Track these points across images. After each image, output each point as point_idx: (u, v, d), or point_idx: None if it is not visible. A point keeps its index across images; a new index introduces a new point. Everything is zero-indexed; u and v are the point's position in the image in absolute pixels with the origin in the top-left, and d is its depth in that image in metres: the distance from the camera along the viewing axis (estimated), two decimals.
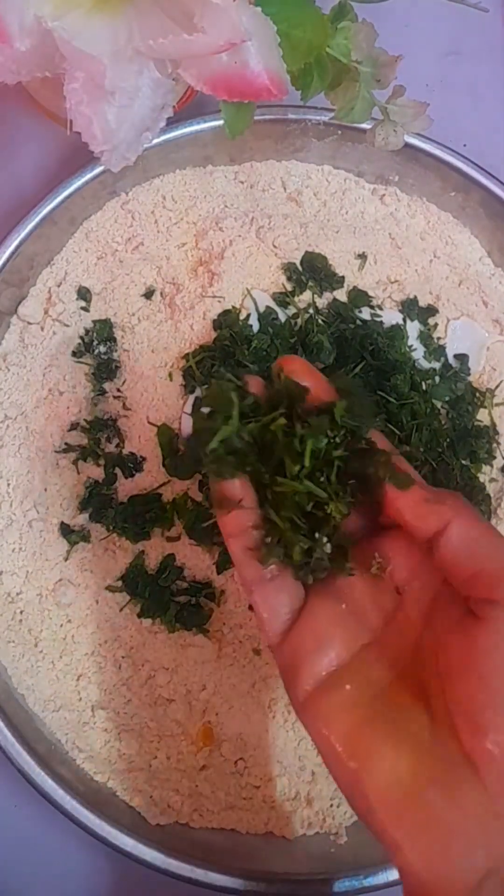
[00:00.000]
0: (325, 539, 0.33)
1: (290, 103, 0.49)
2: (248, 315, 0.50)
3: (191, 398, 0.49)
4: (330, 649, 0.33)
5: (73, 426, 0.49)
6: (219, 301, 0.49)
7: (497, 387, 0.51)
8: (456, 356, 0.52)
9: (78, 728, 0.46)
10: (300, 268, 0.51)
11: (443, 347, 0.51)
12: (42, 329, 0.50)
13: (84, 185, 0.49)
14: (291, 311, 0.50)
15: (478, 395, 0.51)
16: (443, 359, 0.51)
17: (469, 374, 0.51)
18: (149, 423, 0.49)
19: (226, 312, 0.49)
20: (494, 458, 0.50)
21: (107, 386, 0.49)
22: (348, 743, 0.31)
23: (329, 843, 0.46)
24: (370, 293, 0.51)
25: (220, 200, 0.52)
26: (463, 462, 0.49)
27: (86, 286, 0.50)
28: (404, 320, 0.51)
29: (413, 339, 0.51)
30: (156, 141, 0.48)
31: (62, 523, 0.48)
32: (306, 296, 0.51)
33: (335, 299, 0.51)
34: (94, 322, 0.50)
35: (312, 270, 0.51)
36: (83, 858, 0.47)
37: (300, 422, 0.34)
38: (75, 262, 0.51)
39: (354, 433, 0.34)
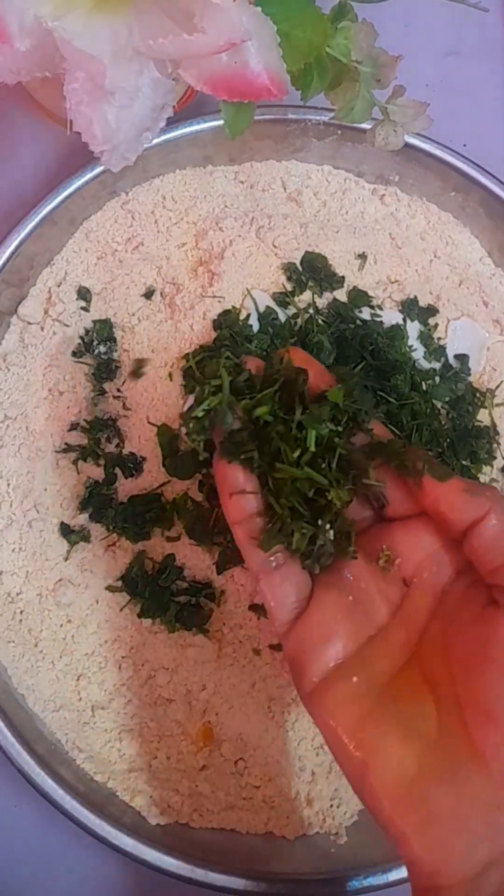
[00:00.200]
0: (327, 526, 0.33)
1: (290, 103, 0.49)
2: (248, 315, 0.50)
3: (191, 398, 0.49)
4: (337, 641, 0.33)
5: (73, 426, 0.49)
6: (219, 301, 0.49)
7: (497, 387, 0.51)
8: (456, 356, 0.52)
9: (78, 728, 0.46)
10: (300, 268, 0.51)
11: (443, 347, 0.51)
12: (42, 329, 0.50)
13: (84, 185, 0.49)
14: (291, 311, 0.50)
15: (478, 395, 0.51)
16: (443, 359, 0.51)
17: (469, 375, 0.51)
18: (149, 423, 0.49)
19: (226, 312, 0.49)
20: (495, 458, 0.50)
21: (107, 386, 0.49)
22: (355, 735, 0.31)
23: (329, 843, 0.46)
24: (370, 293, 0.51)
25: (220, 200, 0.52)
26: (463, 462, 0.49)
27: (86, 286, 0.50)
28: (404, 320, 0.51)
29: (413, 340, 0.51)
30: (156, 141, 0.48)
31: (62, 523, 0.48)
32: (306, 296, 0.51)
33: (335, 299, 0.51)
34: (94, 322, 0.50)
35: (312, 270, 0.51)
36: (83, 858, 0.47)
37: (300, 408, 0.34)
38: (75, 262, 0.51)
39: (356, 418, 0.34)
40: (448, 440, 0.49)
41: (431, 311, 0.52)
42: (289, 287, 0.51)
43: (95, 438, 0.49)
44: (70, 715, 0.46)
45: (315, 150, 0.53)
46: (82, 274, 0.51)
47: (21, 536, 0.48)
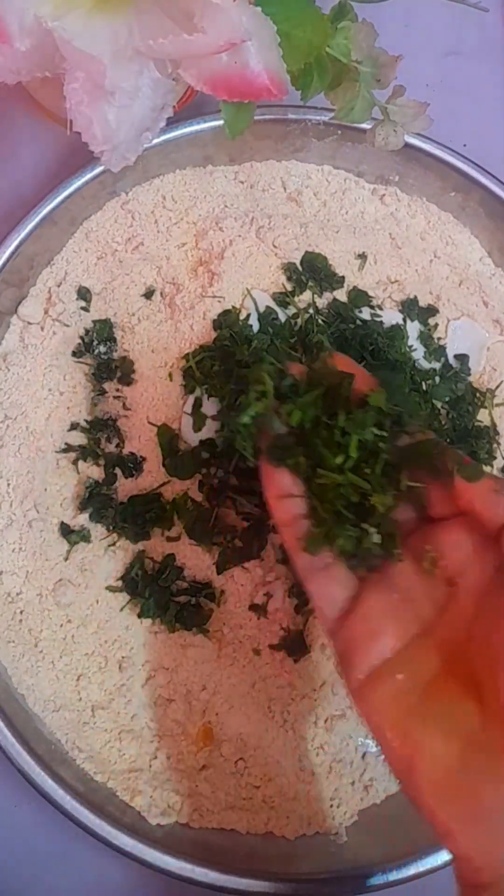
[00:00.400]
0: (373, 528, 0.34)
1: (290, 103, 0.49)
2: (248, 315, 0.50)
3: (191, 398, 0.49)
4: (383, 639, 0.33)
5: (73, 426, 0.49)
6: (219, 301, 0.49)
7: (497, 387, 0.51)
8: (456, 356, 0.51)
9: (78, 728, 0.46)
10: (300, 268, 0.51)
11: (443, 347, 0.51)
12: (42, 329, 0.50)
13: (84, 185, 0.49)
14: (291, 311, 0.50)
15: (478, 395, 0.51)
16: (443, 359, 0.51)
17: (469, 375, 0.51)
18: (149, 423, 0.49)
19: (226, 312, 0.49)
20: (495, 458, 0.50)
21: (107, 386, 0.49)
22: (400, 731, 0.32)
23: (329, 843, 0.46)
24: (370, 293, 0.51)
25: (220, 200, 0.52)
26: None
27: (86, 286, 0.50)
28: (404, 320, 0.51)
29: (413, 339, 0.51)
30: (156, 141, 0.48)
31: (62, 523, 0.48)
32: (306, 296, 0.51)
33: (335, 299, 0.51)
34: (94, 322, 0.50)
35: (312, 270, 0.51)
36: (83, 858, 0.47)
37: (343, 413, 0.34)
38: (75, 262, 0.51)
39: (399, 422, 0.34)
40: (448, 440, 0.49)
41: (431, 311, 0.52)
42: (289, 287, 0.51)
43: (95, 438, 0.49)
44: (70, 715, 0.46)
45: (315, 150, 0.53)
46: (82, 274, 0.51)
47: (21, 536, 0.48)
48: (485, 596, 0.34)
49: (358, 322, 0.50)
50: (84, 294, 0.50)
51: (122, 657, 0.47)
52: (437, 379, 0.51)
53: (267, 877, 0.43)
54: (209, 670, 0.47)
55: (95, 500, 0.48)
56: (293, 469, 0.35)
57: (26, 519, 0.48)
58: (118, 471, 0.48)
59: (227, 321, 0.49)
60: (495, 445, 0.50)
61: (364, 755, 0.47)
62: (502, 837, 0.29)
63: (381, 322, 0.51)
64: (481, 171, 0.51)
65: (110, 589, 0.47)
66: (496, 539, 0.33)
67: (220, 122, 0.39)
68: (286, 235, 0.51)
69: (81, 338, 0.50)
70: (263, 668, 0.47)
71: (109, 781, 0.46)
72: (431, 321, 0.52)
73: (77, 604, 0.47)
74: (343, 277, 0.51)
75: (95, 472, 0.49)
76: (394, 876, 0.43)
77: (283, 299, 0.50)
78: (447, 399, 0.50)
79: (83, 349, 0.50)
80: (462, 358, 0.51)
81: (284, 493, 0.35)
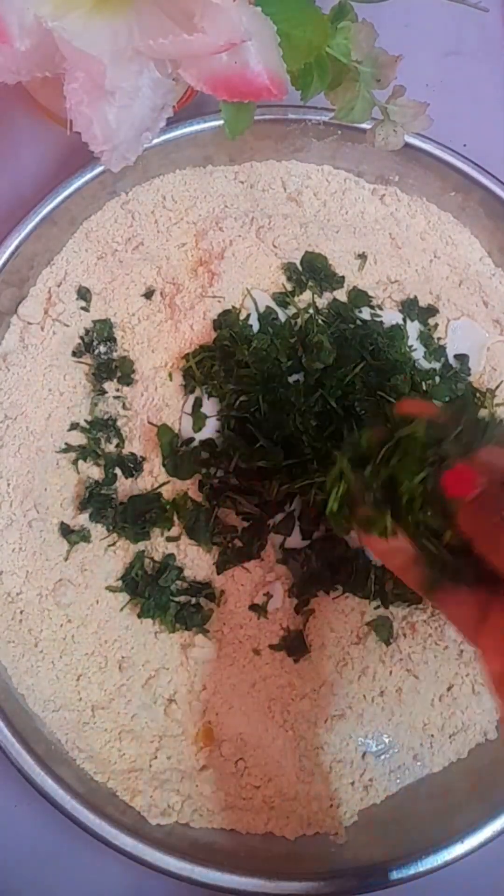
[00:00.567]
0: (474, 560, 0.33)
1: (290, 103, 0.49)
2: (248, 315, 0.50)
3: (191, 398, 0.49)
4: None
5: (73, 426, 0.49)
6: (219, 301, 0.49)
7: (497, 387, 0.51)
8: (456, 356, 0.51)
9: (78, 728, 0.46)
10: (300, 268, 0.51)
11: (443, 348, 0.51)
12: (42, 329, 0.50)
13: (84, 185, 0.49)
14: (291, 311, 0.50)
15: (478, 395, 0.51)
16: (443, 359, 0.51)
17: (469, 375, 0.51)
18: (149, 423, 0.49)
19: (226, 312, 0.49)
20: None
21: (107, 386, 0.49)
22: None
23: (329, 843, 0.46)
24: (370, 293, 0.51)
25: (220, 200, 0.52)
26: None
27: (86, 286, 0.50)
28: (404, 320, 0.51)
29: (413, 340, 0.51)
30: (156, 141, 0.48)
31: (62, 523, 0.48)
32: (306, 296, 0.51)
33: (335, 299, 0.51)
34: (94, 322, 0.50)
35: (312, 270, 0.51)
36: (83, 858, 0.47)
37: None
38: (75, 262, 0.51)
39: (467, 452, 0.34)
40: None
41: (431, 311, 0.52)
42: (289, 287, 0.51)
43: (95, 438, 0.49)
44: (70, 715, 0.46)
45: (315, 150, 0.53)
46: (82, 274, 0.51)
47: (21, 536, 0.48)
48: None
49: (358, 322, 0.50)
50: (84, 294, 0.50)
51: (122, 657, 0.47)
52: (437, 379, 0.51)
53: (267, 877, 0.43)
54: (209, 670, 0.47)
55: (95, 500, 0.48)
56: (383, 532, 0.35)
57: (26, 519, 0.48)
58: (118, 471, 0.48)
59: (227, 321, 0.49)
60: None
61: (364, 755, 0.47)
62: None
63: (381, 322, 0.51)
64: (481, 171, 0.51)
65: (110, 589, 0.47)
66: None
67: (220, 122, 0.39)
68: (286, 235, 0.51)
69: (81, 338, 0.50)
70: (263, 668, 0.47)
71: (109, 781, 0.46)
72: (431, 321, 0.52)
73: (77, 604, 0.47)
74: (343, 277, 0.51)
75: (95, 472, 0.49)
76: (394, 876, 0.43)
77: (283, 299, 0.50)
78: (447, 399, 0.50)
79: (83, 349, 0.50)
80: (462, 358, 0.51)
81: (387, 549, 0.35)
